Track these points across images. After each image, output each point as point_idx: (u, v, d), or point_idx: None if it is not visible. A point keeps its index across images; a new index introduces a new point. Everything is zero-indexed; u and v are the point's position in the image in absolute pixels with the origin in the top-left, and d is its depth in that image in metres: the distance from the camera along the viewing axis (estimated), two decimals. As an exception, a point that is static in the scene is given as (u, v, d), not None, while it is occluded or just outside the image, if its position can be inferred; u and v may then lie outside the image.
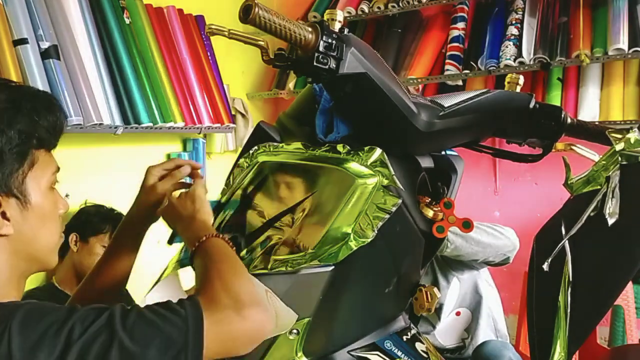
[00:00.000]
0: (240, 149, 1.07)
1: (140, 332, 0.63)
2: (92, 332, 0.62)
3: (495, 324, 1.64)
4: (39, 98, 0.76)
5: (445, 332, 1.61)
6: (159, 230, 1.00)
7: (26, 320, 0.63)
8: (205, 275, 0.76)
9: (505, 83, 1.17)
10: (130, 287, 1.07)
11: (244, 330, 0.69)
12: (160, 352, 0.63)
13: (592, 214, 0.86)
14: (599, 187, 0.87)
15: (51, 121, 0.75)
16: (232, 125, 2.62)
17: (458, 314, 1.61)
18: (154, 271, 1.04)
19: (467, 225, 0.91)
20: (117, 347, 0.61)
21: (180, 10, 2.51)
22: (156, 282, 0.95)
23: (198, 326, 0.65)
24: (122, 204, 0.91)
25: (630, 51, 2.08)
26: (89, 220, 1.89)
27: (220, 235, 0.83)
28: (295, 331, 0.82)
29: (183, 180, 1.00)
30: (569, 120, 1.01)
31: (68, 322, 0.62)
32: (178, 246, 1.01)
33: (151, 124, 2.16)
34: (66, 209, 0.82)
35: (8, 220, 0.71)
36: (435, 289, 0.97)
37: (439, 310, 1.59)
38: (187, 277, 0.89)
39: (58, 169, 0.79)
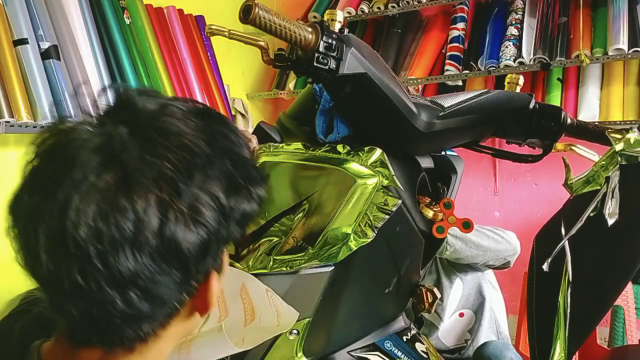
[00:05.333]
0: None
1: None
2: None
3: (498, 327, 1.63)
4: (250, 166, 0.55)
5: (448, 333, 1.61)
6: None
7: None
8: None
9: (505, 83, 1.17)
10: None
11: None
12: None
13: (592, 214, 0.86)
14: (598, 187, 0.87)
15: (257, 197, 0.55)
16: (232, 125, 2.62)
17: (461, 315, 1.61)
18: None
19: (467, 225, 0.91)
20: None
21: (180, 11, 2.51)
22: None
23: None
24: (122, 204, 0.91)
25: (630, 51, 2.07)
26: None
27: None
28: (295, 331, 0.82)
29: None
30: (568, 121, 1.01)
31: None
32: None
33: (151, 124, 2.16)
34: None
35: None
36: (435, 289, 0.97)
37: (440, 312, 1.59)
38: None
39: None
